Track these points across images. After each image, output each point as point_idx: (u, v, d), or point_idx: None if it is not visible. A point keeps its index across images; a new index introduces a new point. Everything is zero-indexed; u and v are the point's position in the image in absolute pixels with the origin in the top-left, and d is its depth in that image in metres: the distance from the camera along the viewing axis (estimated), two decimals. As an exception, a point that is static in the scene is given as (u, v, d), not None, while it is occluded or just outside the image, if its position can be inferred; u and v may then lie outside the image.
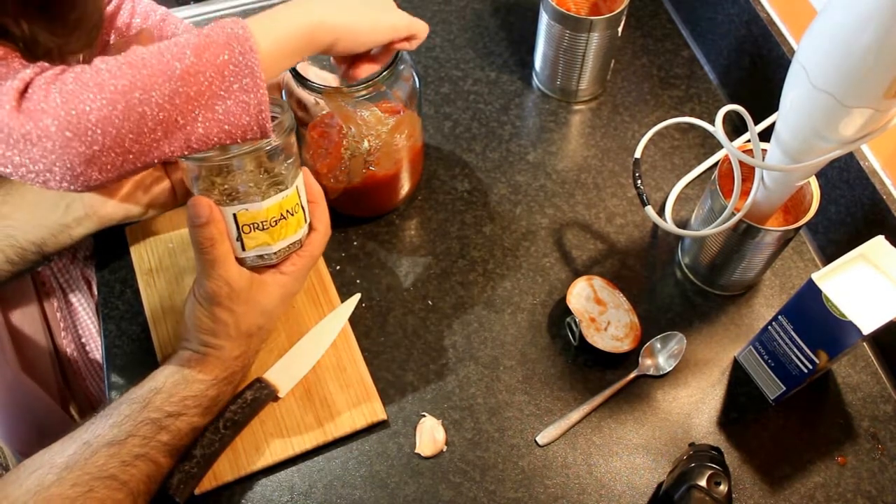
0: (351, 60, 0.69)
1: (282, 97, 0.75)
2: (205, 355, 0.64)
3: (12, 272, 0.72)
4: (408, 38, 0.69)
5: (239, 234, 0.62)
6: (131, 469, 0.59)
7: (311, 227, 0.67)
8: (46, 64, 0.54)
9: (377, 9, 0.66)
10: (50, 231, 0.71)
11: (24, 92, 0.51)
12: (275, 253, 0.64)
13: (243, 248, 0.63)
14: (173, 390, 0.62)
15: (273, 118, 0.61)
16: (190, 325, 0.64)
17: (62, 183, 0.53)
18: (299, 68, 0.71)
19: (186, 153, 0.56)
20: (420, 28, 0.70)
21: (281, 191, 0.61)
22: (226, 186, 0.60)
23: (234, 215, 0.61)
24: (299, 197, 0.64)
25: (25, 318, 0.88)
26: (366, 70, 0.69)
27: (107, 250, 0.83)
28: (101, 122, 0.51)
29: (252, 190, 0.60)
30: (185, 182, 0.63)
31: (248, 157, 0.60)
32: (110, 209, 0.72)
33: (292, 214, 0.63)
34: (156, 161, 0.55)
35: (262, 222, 0.61)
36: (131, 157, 0.54)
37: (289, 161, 0.62)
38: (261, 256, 0.64)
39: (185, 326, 0.66)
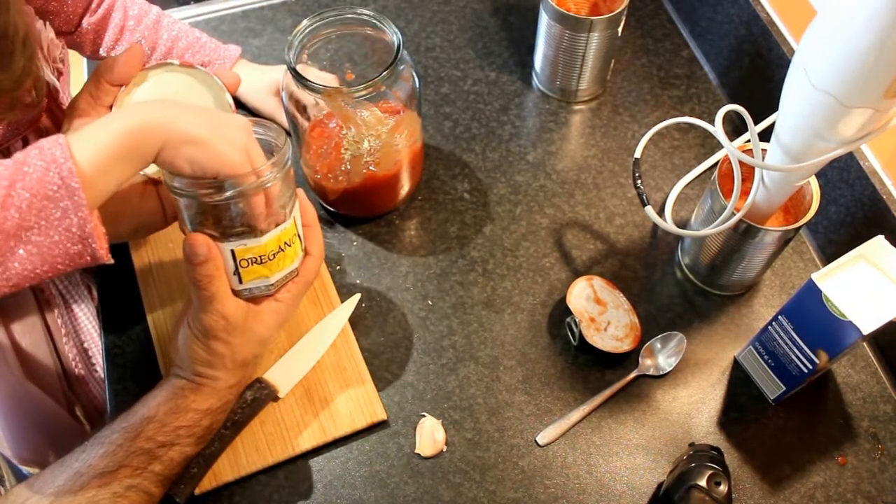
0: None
1: (283, 101, 0.75)
2: (199, 385, 0.63)
3: None
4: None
5: (236, 269, 0.61)
6: (123, 500, 0.58)
7: (305, 252, 0.66)
8: None
9: (228, 133, 0.56)
10: None
11: None
12: (272, 284, 0.63)
13: (240, 282, 0.62)
14: (166, 419, 0.61)
15: (270, 154, 0.59)
16: (184, 356, 0.63)
17: None
18: (299, 69, 0.71)
19: (10, 290, 0.51)
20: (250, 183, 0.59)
21: (279, 224, 0.60)
22: (223, 223, 0.59)
23: (233, 251, 0.59)
24: (296, 227, 0.63)
25: (27, 327, 0.87)
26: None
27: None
28: None
29: (249, 227, 0.59)
30: (178, 217, 0.61)
31: (246, 197, 0.58)
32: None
33: (290, 245, 0.62)
34: None
35: (260, 257, 0.60)
36: None
37: (287, 194, 0.61)
38: (258, 288, 0.63)
39: (178, 354, 0.65)
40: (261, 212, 0.58)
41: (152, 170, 0.67)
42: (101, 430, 0.61)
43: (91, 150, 0.51)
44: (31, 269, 0.50)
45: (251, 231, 0.59)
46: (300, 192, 0.65)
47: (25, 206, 0.48)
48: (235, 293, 0.62)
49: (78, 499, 0.56)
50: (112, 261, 0.54)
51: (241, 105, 0.92)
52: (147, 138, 0.53)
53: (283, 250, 0.61)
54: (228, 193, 0.56)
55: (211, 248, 0.58)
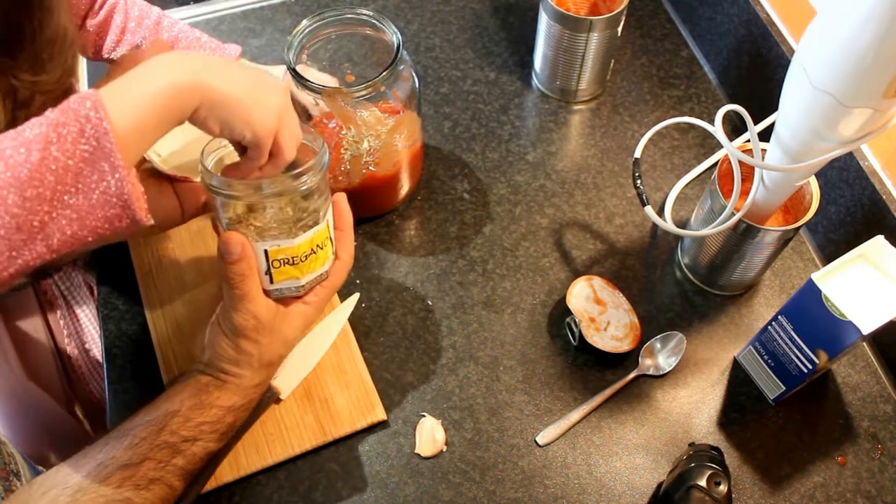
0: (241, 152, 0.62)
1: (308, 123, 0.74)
2: (225, 382, 0.63)
3: (11, 285, 0.69)
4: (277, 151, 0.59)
5: (268, 269, 0.61)
6: (146, 493, 0.58)
7: (335, 256, 0.66)
8: None
9: (263, 96, 0.56)
10: None
11: None
12: (302, 286, 0.63)
13: (271, 282, 0.62)
14: (190, 415, 0.62)
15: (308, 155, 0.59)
16: (211, 353, 0.64)
17: None
18: (299, 69, 0.71)
19: (50, 255, 0.50)
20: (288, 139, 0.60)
21: (313, 226, 0.60)
22: (258, 224, 0.59)
23: (266, 251, 0.60)
24: (329, 230, 0.63)
25: (28, 327, 0.88)
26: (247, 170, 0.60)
27: (106, 251, 0.83)
28: None
29: (284, 227, 0.59)
30: (213, 216, 0.61)
31: (282, 198, 0.58)
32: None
33: (321, 248, 0.62)
34: (19, 270, 0.49)
35: (293, 258, 0.60)
36: None
37: (322, 198, 0.61)
38: (288, 289, 0.63)
39: (203, 350, 0.65)
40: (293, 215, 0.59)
41: (172, 164, 0.67)
42: (123, 423, 0.61)
43: (127, 110, 0.49)
44: (71, 234, 0.49)
45: (285, 232, 0.59)
46: (338, 196, 0.66)
47: (61, 170, 0.47)
48: (265, 293, 0.62)
49: (102, 490, 0.57)
50: (152, 221, 0.52)
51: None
52: (185, 98, 0.51)
53: (314, 252, 0.62)
54: (266, 193, 0.57)
55: (245, 247, 0.58)
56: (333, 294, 0.67)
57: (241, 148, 0.59)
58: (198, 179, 0.69)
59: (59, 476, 0.58)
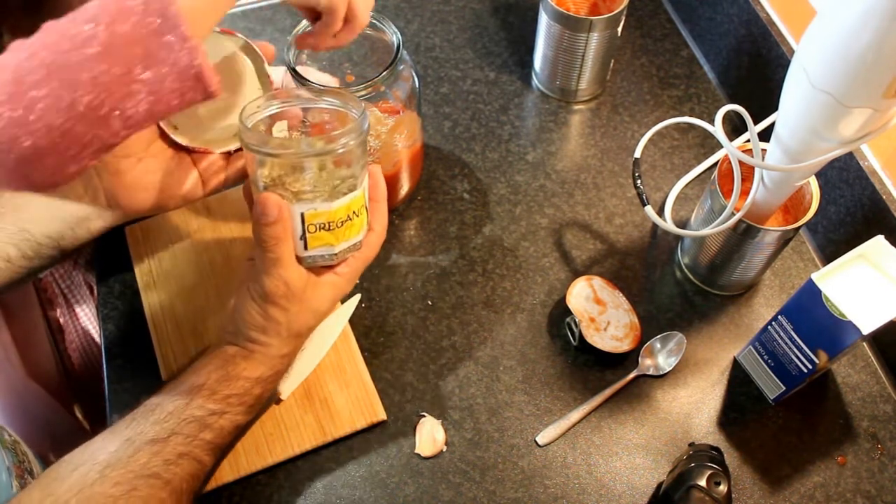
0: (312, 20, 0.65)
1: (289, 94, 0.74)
2: (252, 352, 0.62)
3: (29, 268, 0.68)
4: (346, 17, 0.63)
5: (303, 234, 0.60)
6: (174, 468, 0.57)
7: (369, 227, 0.65)
8: None
9: None
10: (67, 224, 0.67)
11: None
12: (336, 254, 0.62)
13: (305, 248, 0.61)
14: (217, 387, 0.61)
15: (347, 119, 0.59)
16: (239, 320, 0.62)
17: (20, 185, 0.50)
18: (299, 69, 0.71)
19: (127, 133, 0.51)
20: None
21: (350, 192, 0.59)
22: (295, 186, 0.58)
23: (302, 214, 0.59)
24: (365, 198, 0.62)
25: (29, 326, 0.88)
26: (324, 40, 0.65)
27: (106, 250, 0.83)
28: (25, 125, 0.48)
29: (321, 191, 0.58)
30: (249, 178, 0.60)
31: (321, 159, 0.57)
32: (138, 201, 0.67)
33: (357, 216, 0.61)
34: (103, 150, 0.51)
35: (328, 223, 0.59)
36: (73, 151, 0.50)
37: (360, 163, 0.60)
38: (322, 256, 0.62)
39: (230, 319, 0.63)
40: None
41: (190, 137, 0.67)
42: (150, 398, 0.61)
43: None
44: (146, 109, 0.50)
45: (321, 196, 0.58)
46: (373, 167, 0.64)
47: (130, 45, 0.47)
48: (298, 259, 0.61)
49: (130, 465, 0.56)
50: (222, 92, 0.53)
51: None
52: None
53: (350, 219, 0.60)
54: (304, 152, 0.56)
55: (282, 210, 0.57)
56: (365, 267, 0.66)
57: (312, 17, 0.61)
58: (217, 151, 0.68)
59: (87, 453, 0.57)
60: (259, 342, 0.62)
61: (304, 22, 0.72)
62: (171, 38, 0.48)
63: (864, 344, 0.77)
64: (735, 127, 0.95)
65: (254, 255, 0.61)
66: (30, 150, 0.48)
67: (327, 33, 0.60)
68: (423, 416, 0.73)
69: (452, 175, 0.90)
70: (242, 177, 0.71)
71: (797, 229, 0.69)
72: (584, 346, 0.75)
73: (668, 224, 0.74)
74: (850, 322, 0.59)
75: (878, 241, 0.63)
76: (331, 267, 0.64)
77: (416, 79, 0.76)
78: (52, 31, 0.48)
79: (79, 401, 1.03)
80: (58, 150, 0.49)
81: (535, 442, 0.71)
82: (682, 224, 0.86)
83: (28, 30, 0.52)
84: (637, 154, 0.77)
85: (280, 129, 0.63)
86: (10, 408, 0.91)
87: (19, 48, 0.48)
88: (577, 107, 0.97)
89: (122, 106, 0.49)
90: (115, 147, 0.51)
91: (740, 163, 0.70)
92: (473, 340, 0.78)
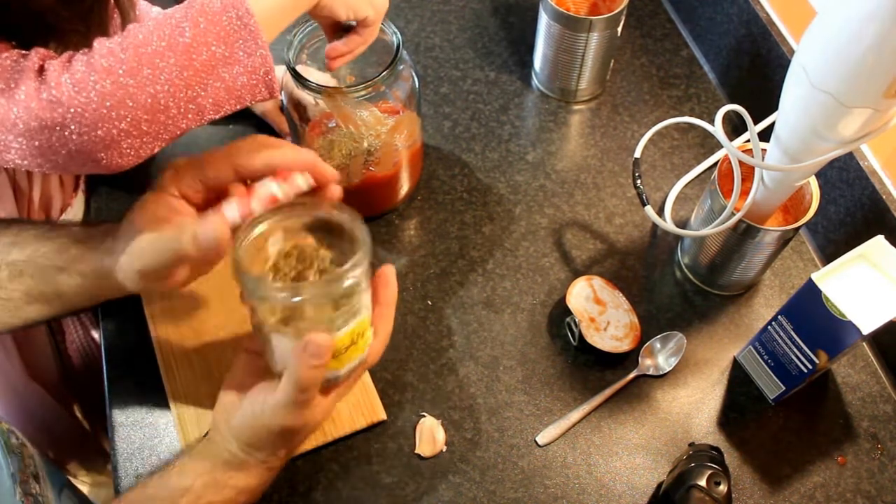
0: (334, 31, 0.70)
1: (282, 106, 0.74)
2: (244, 462, 0.58)
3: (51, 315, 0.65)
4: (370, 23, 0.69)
5: None
6: None
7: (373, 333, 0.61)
8: (43, 50, 0.54)
9: None
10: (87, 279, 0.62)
11: (39, 82, 0.51)
12: (340, 376, 0.59)
13: None
14: (202, 492, 0.57)
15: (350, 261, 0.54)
16: (238, 432, 0.58)
17: (83, 168, 0.54)
18: (299, 69, 0.71)
19: (200, 124, 0.57)
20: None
21: (352, 319, 0.56)
22: (300, 325, 0.54)
23: None
24: (368, 315, 0.59)
25: (31, 328, 0.88)
26: (353, 42, 0.69)
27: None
28: (116, 107, 0.51)
29: (323, 324, 0.54)
30: (252, 317, 0.57)
31: (322, 301, 0.54)
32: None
33: (361, 337, 0.58)
34: (173, 137, 0.56)
35: (332, 352, 0.56)
36: (148, 137, 0.54)
37: (363, 288, 0.56)
38: (326, 380, 0.58)
39: (223, 420, 0.58)
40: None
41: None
42: (132, 493, 0.58)
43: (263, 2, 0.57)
44: (219, 104, 0.56)
45: (324, 329, 0.54)
46: (387, 269, 0.60)
47: (213, 45, 0.54)
48: None
49: None
50: (280, 95, 0.60)
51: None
52: None
53: (354, 343, 0.58)
54: (305, 297, 0.53)
55: (329, 351, 0.53)
56: (365, 371, 0.63)
57: (331, 32, 0.69)
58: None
59: None
60: (255, 456, 0.58)
61: (311, 27, 0.72)
62: (250, 44, 0.55)
63: (864, 344, 0.77)
64: (735, 127, 0.95)
65: (253, 349, 0.58)
66: (128, 126, 0.53)
67: (359, 43, 0.68)
68: (423, 416, 0.73)
69: (452, 175, 0.90)
70: None
71: (797, 229, 0.69)
72: (584, 346, 0.75)
73: (668, 224, 0.74)
74: (850, 322, 0.59)
75: (878, 241, 0.63)
76: (337, 385, 0.60)
77: (415, 79, 0.76)
78: (141, 30, 0.54)
79: (79, 401, 1.03)
80: (136, 133, 0.54)
81: (535, 442, 0.71)
82: (682, 224, 0.86)
83: (77, 45, 0.57)
84: (637, 154, 0.77)
85: (275, 243, 0.59)
86: (11, 408, 0.91)
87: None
88: (577, 107, 0.97)
89: (199, 100, 0.55)
90: (181, 136, 0.57)
91: (740, 163, 0.70)
92: (473, 340, 0.78)
